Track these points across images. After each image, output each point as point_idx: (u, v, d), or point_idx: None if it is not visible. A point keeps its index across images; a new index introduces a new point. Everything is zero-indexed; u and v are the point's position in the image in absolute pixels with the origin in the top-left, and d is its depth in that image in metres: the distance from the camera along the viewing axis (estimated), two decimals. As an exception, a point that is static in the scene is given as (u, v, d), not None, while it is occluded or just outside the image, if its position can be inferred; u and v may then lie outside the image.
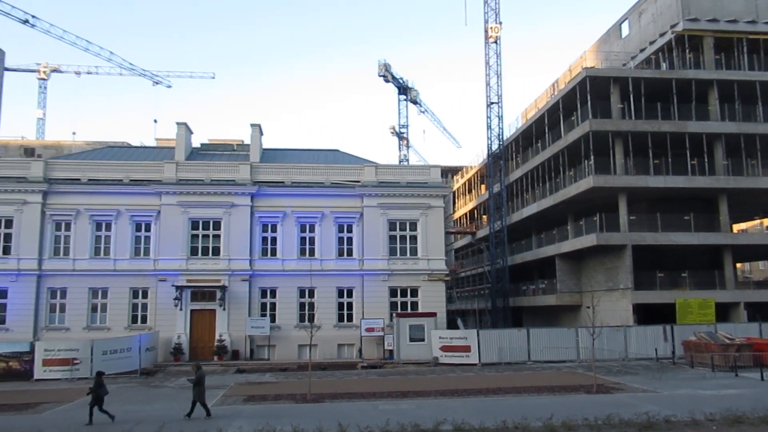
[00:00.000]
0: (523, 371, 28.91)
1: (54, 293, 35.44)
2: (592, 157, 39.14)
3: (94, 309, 35.53)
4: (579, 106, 40.77)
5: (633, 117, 39.47)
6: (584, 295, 41.93)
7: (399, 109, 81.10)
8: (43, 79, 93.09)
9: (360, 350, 35.23)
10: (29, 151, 67.66)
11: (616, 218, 39.08)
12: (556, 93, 45.40)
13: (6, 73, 63.55)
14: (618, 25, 49.01)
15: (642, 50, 45.00)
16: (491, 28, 50.76)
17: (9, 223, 35.52)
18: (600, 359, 28.31)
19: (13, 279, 34.86)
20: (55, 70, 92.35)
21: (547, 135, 45.49)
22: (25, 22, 77.98)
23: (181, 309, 35.02)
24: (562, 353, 31.86)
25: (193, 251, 36.24)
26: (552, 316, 46.08)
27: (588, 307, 35.62)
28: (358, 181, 37.76)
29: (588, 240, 39.00)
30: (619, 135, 39.38)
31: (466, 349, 32.00)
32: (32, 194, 35.70)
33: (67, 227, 36.03)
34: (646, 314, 37.33)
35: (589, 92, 39.53)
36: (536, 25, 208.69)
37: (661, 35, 42.62)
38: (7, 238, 35.44)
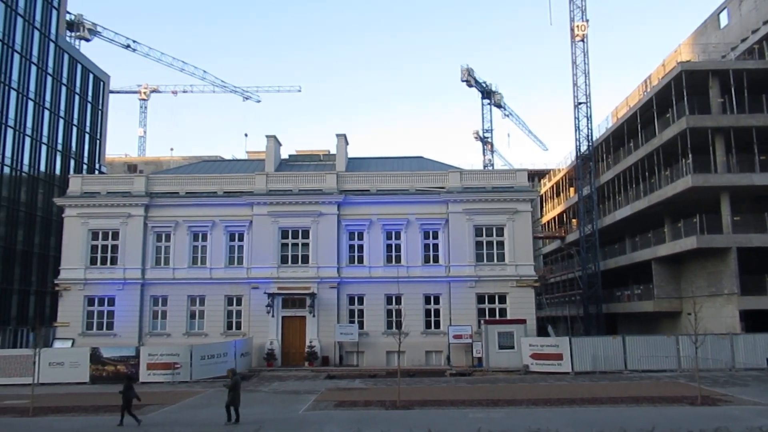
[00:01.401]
0: (620, 381, 27.70)
1: (156, 300, 37.48)
2: (690, 156, 37.11)
3: (192, 316, 37.27)
4: (674, 102, 38.82)
5: (735, 111, 37.13)
6: (684, 301, 39.69)
7: (482, 114, 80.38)
8: (144, 100, 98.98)
9: (448, 357, 34.98)
10: (132, 168, 72.21)
11: (719, 219, 36.81)
12: (648, 90, 43.48)
13: (111, 95, 68.08)
14: (716, 15, 46.30)
15: (743, 40, 42.25)
16: (577, 26, 49.40)
17: (115, 235, 37.94)
18: (704, 369, 26.64)
19: (119, 287, 37.16)
20: (154, 91, 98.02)
21: (640, 134, 43.59)
22: (127, 47, 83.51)
23: (273, 316, 36.08)
24: (662, 362, 30.26)
25: (284, 259, 37.28)
26: (649, 323, 43.94)
27: (689, 314, 33.67)
28: (442, 188, 37.63)
29: (688, 243, 36.97)
30: (719, 131, 37.14)
31: (558, 357, 31.05)
32: (135, 207, 37.96)
33: (167, 238, 38.03)
34: (754, 321, 34.83)
35: (685, 87, 37.53)
36: (625, 19, 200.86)
37: (765, 23, 39.87)
38: (114, 249, 37.86)
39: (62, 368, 30.10)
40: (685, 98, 37.58)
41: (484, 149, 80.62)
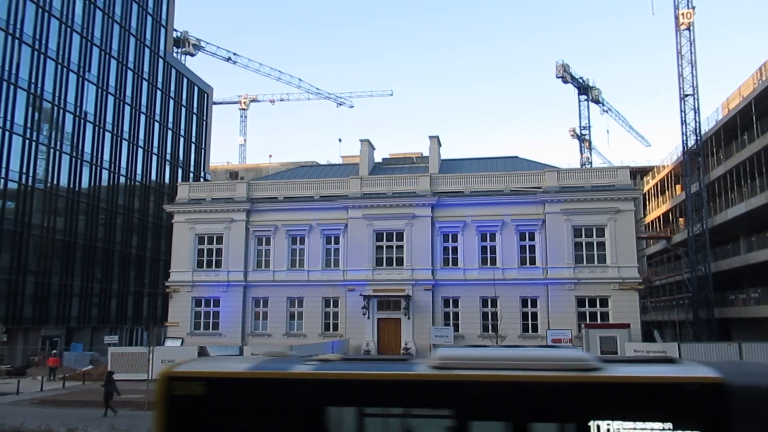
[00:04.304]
0: (736, 391, 25.76)
1: (257, 302, 38.93)
2: (813, 148, 34.10)
3: (291, 317, 38.43)
4: (794, 90, 35.81)
5: None
6: (810, 306, 36.47)
7: (579, 110, 77.75)
8: (244, 109, 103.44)
9: (547, 362, 33.96)
10: (234, 175, 75.33)
11: None
12: (764, 78, 40.36)
13: (213, 106, 71.63)
14: (841, -6, 42.36)
15: None
16: (683, 14, 46.62)
17: (219, 239, 39.77)
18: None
19: (224, 290, 38.91)
20: (253, 101, 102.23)
21: (755, 125, 40.52)
22: (228, 59, 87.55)
23: (368, 317, 36.51)
24: (785, 372, 27.89)
25: (378, 262, 37.66)
26: (769, 329, 40.70)
27: (816, 320, 30.95)
28: (539, 187, 36.68)
29: (812, 242, 33.94)
30: None
31: (666, 364, 29.35)
32: (238, 213, 39.62)
33: (267, 242, 39.41)
34: None
35: (806, 73, 34.58)
36: (733, 4, 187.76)
37: None
38: (218, 252, 39.68)
39: (173, 365, 31.79)
40: (807, 85, 34.61)
41: (581, 147, 77.94)
